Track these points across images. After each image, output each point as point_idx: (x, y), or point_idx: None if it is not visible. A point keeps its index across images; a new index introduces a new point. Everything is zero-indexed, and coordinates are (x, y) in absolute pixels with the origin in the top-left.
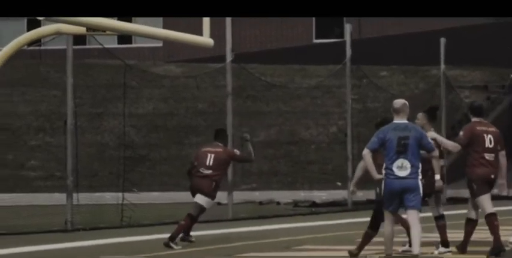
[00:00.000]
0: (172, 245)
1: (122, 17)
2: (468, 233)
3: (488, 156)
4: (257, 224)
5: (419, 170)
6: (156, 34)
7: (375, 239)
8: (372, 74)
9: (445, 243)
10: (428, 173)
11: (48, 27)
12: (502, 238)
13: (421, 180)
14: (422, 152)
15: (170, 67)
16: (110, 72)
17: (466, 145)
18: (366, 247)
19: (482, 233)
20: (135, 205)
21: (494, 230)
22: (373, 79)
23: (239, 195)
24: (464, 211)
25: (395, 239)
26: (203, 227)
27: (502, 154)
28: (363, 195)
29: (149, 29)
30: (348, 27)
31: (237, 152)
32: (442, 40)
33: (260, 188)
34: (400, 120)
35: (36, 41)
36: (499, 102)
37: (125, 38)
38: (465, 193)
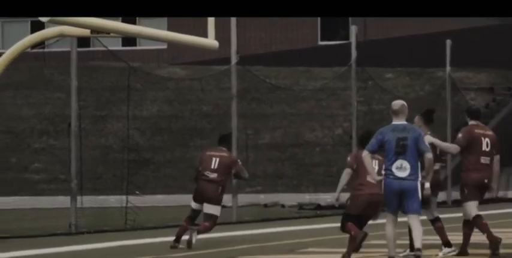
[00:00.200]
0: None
1: (126, 18)
2: (466, 235)
3: (484, 160)
4: (262, 227)
5: (419, 171)
6: (160, 36)
7: (377, 242)
8: (377, 76)
9: (447, 243)
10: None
11: (52, 30)
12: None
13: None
14: None
15: (175, 69)
16: (114, 74)
17: (465, 147)
18: (369, 250)
19: (482, 235)
20: (139, 208)
21: (484, 228)
22: (379, 81)
23: (244, 198)
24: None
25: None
26: None
27: (497, 158)
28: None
29: (154, 31)
30: (353, 29)
31: (239, 161)
32: (448, 42)
33: (265, 190)
34: (399, 121)
35: (40, 44)
36: (504, 104)
37: (129, 40)
38: None
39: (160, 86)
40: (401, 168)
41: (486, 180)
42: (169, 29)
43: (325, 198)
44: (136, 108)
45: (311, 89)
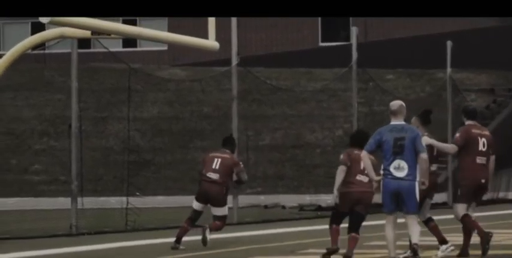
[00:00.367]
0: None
1: (126, 19)
2: (467, 236)
3: (480, 160)
4: (262, 228)
5: (417, 171)
6: (161, 37)
7: (378, 243)
8: (378, 77)
9: (443, 241)
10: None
11: (52, 31)
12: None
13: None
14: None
15: (175, 71)
16: (115, 75)
17: (462, 147)
18: (369, 251)
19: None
20: (139, 209)
21: (473, 224)
22: (379, 82)
23: (244, 199)
24: (472, 214)
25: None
26: None
27: (493, 159)
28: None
29: (154, 32)
30: (354, 30)
31: (241, 163)
32: (449, 43)
33: (265, 191)
34: (397, 121)
35: (41, 45)
36: (505, 105)
37: (129, 41)
38: None
39: (161, 88)
40: (399, 168)
41: (483, 181)
42: (170, 30)
43: (326, 199)
44: (137, 109)
45: (312, 90)
